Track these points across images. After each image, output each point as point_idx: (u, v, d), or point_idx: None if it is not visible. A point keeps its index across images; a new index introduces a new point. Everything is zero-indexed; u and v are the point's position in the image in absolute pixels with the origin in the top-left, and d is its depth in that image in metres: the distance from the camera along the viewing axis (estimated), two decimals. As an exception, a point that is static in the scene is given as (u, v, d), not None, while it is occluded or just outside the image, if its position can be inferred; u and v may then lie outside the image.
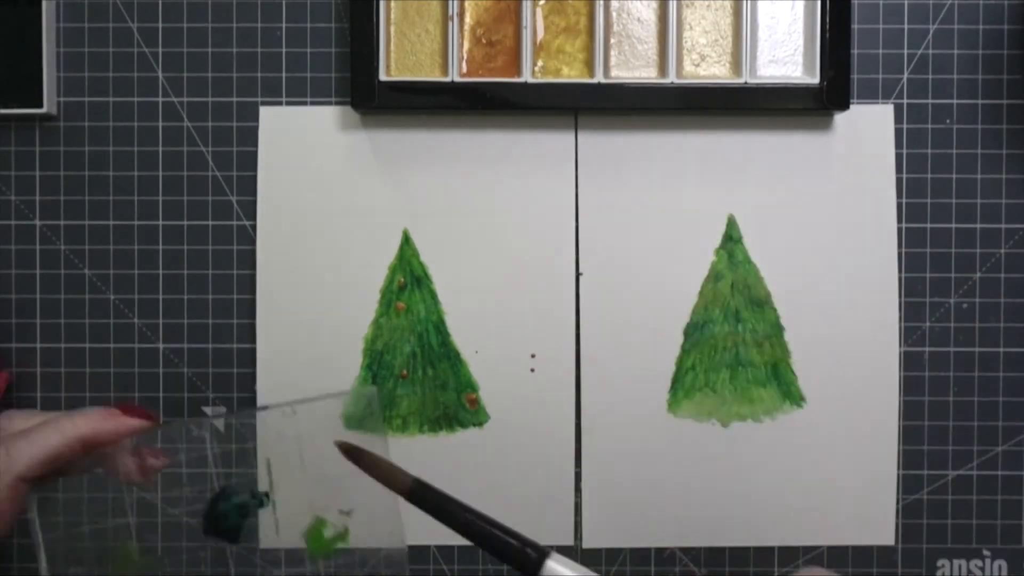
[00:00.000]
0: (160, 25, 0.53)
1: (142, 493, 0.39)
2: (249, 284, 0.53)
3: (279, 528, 0.39)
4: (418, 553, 0.53)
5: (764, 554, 0.53)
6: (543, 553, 0.26)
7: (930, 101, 0.53)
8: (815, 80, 0.51)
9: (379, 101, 0.51)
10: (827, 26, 0.50)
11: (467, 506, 0.27)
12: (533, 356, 0.53)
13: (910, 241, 0.53)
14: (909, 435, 0.53)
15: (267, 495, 0.39)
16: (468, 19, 0.52)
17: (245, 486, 0.38)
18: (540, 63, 0.52)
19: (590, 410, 0.52)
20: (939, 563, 0.53)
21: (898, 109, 0.53)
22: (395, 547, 0.39)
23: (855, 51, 0.53)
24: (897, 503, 0.53)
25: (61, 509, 0.37)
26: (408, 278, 0.53)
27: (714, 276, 0.53)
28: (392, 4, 0.52)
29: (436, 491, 0.28)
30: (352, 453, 0.30)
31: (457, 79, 0.51)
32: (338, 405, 0.40)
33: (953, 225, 0.53)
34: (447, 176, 0.53)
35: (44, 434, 0.35)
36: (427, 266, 0.53)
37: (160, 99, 0.53)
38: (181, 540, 0.40)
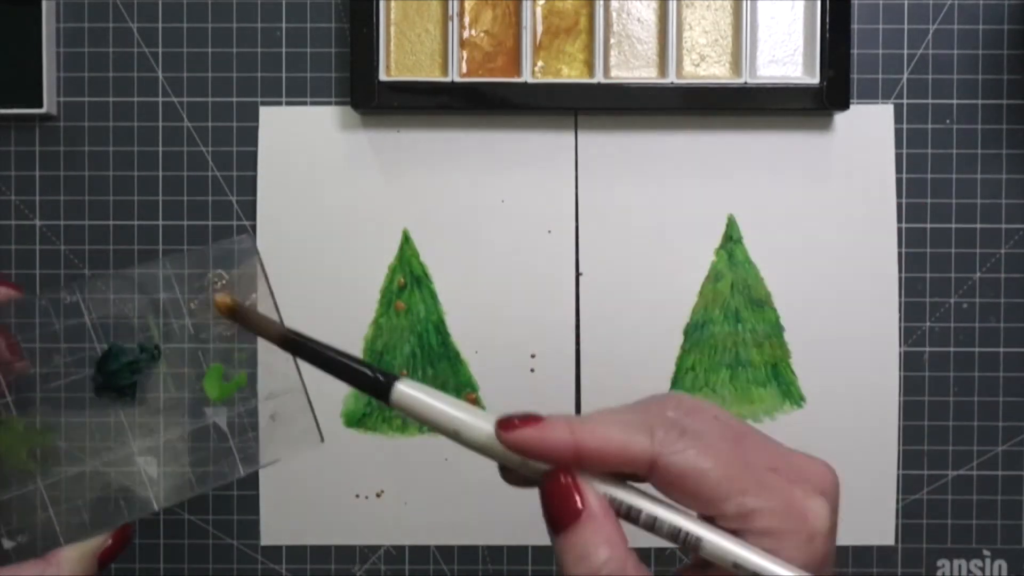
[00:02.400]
0: (160, 25, 0.53)
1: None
2: (249, 284, 0.53)
3: (172, 381, 0.38)
4: (418, 553, 0.53)
5: (764, 554, 0.53)
6: (393, 378, 0.28)
7: (930, 101, 0.53)
8: (815, 80, 0.51)
9: (379, 101, 0.51)
10: (827, 26, 0.50)
11: (334, 348, 0.29)
12: (533, 356, 0.53)
13: (910, 241, 0.53)
14: (909, 435, 0.53)
15: (157, 348, 0.38)
16: (468, 19, 0.52)
17: (132, 344, 0.38)
18: (540, 63, 0.52)
19: (590, 410, 0.52)
20: (939, 563, 0.53)
21: (898, 109, 0.53)
22: (293, 389, 0.38)
23: (855, 51, 0.53)
24: (897, 503, 0.53)
25: None
26: (408, 278, 0.53)
27: (714, 276, 0.53)
28: (392, 4, 0.52)
29: (307, 338, 0.30)
30: (229, 309, 0.30)
31: (457, 79, 0.51)
32: (208, 253, 0.39)
33: (953, 225, 0.53)
34: (447, 176, 0.53)
35: None
36: (427, 266, 0.53)
37: (160, 99, 0.53)
38: (75, 409, 0.39)
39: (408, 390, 0.28)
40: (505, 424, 0.27)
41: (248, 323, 0.31)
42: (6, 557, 0.34)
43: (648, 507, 0.28)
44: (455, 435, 0.28)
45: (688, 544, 0.27)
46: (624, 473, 0.28)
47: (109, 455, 0.37)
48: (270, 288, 0.39)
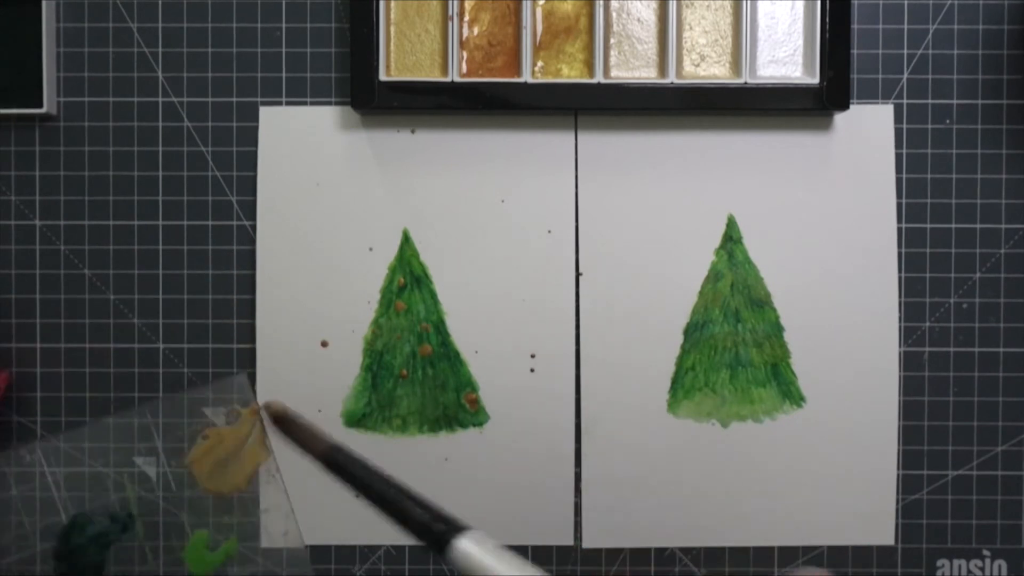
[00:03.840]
0: (160, 25, 0.53)
1: None
2: (249, 284, 0.53)
3: (148, 553, 0.32)
4: (418, 553, 0.53)
5: (764, 554, 0.53)
6: (455, 530, 0.22)
7: (930, 101, 0.53)
8: (815, 80, 0.51)
9: (379, 101, 0.51)
10: (827, 26, 0.50)
11: (384, 475, 0.24)
12: (533, 356, 0.53)
13: (910, 241, 0.53)
14: (909, 435, 0.53)
15: (131, 516, 0.32)
16: (468, 19, 0.52)
17: (100, 511, 0.31)
18: (540, 63, 0.52)
19: (590, 410, 0.52)
20: (939, 563, 0.53)
21: (898, 109, 0.53)
22: (295, 546, 0.35)
23: (855, 51, 0.53)
24: (897, 503, 0.53)
25: None
26: (408, 278, 0.53)
27: (714, 276, 0.53)
28: (392, 4, 0.52)
29: (353, 457, 0.25)
30: (280, 419, 0.27)
31: (457, 79, 0.51)
32: (183, 400, 0.34)
33: (953, 225, 0.53)
34: (447, 176, 0.53)
35: None
36: (427, 266, 0.53)
37: (160, 99, 0.53)
38: None
39: (471, 546, 0.22)
40: None
41: (293, 432, 0.28)
42: None
43: None
44: None
45: None
46: None
47: None
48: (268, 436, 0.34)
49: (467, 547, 0.22)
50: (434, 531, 0.23)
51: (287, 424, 0.27)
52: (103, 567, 0.31)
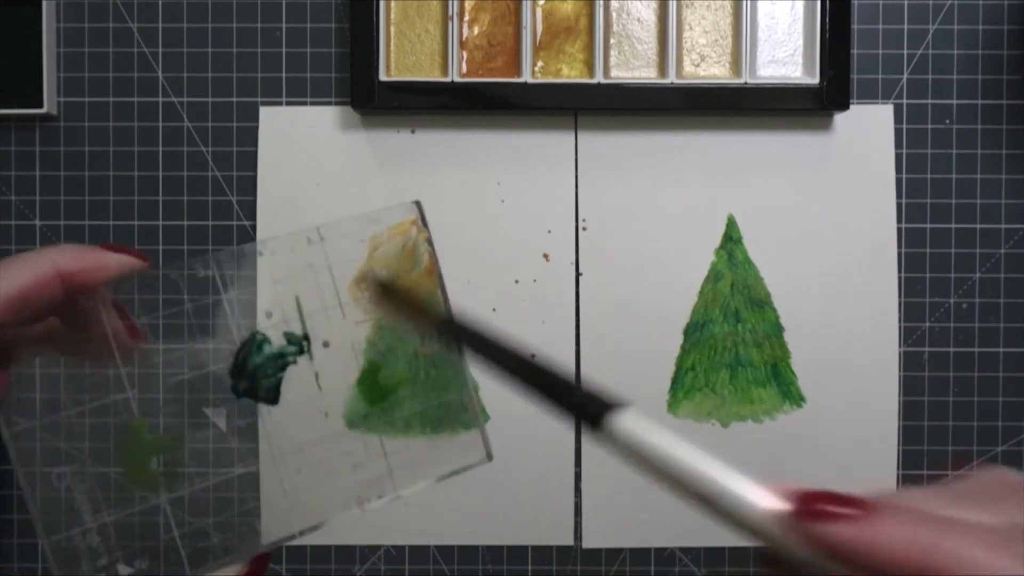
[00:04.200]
0: (160, 25, 0.53)
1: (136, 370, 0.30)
2: (249, 284, 0.53)
3: (320, 379, 0.31)
4: (418, 553, 0.53)
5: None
6: (615, 404, 0.20)
7: (930, 101, 0.53)
8: (815, 80, 0.51)
9: (379, 101, 0.51)
10: (827, 26, 0.50)
11: (512, 342, 0.21)
12: (533, 356, 0.52)
13: (910, 241, 0.53)
14: (909, 435, 0.53)
15: (307, 338, 0.30)
16: (468, 19, 0.52)
17: (276, 331, 0.29)
18: (540, 63, 0.52)
19: (590, 410, 0.52)
20: (939, 563, 0.53)
21: (898, 109, 0.53)
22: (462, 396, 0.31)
23: (855, 51, 0.53)
24: (897, 503, 0.53)
25: (37, 389, 0.29)
26: (408, 278, 0.53)
27: (714, 276, 0.53)
28: (392, 4, 0.52)
29: (474, 325, 0.22)
30: (386, 289, 0.24)
31: (457, 79, 0.51)
32: (368, 228, 0.32)
33: (953, 225, 0.53)
34: (447, 176, 0.53)
35: (12, 268, 0.26)
36: (427, 266, 0.53)
37: (160, 99, 0.53)
38: (197, 410, 0.32)
39: (634, 422, 0.21)
40: (811, 509, 0.18)
41: (404, 304, 0.24)
42: None
43: None
44: (701, 498, 0.20)
45: None
46: None
47: (242, 468, 0.31)
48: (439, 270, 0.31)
49: (633, 422, 0.21)
50: (598, 401, 0.21)
51: (393, 295, 0.24)
52: (279, 390, 0.30)
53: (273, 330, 0.29)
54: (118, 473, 0.29)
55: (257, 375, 0.30)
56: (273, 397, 0.30)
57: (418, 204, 0.32)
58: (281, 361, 0.30)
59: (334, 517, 0.30)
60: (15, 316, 0.26)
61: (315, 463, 0.31)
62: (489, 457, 0.32)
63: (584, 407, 0.21)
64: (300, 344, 0.31)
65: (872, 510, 0.18)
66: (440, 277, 0.32)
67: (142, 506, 0.29)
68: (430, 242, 0.32)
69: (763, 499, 0.19)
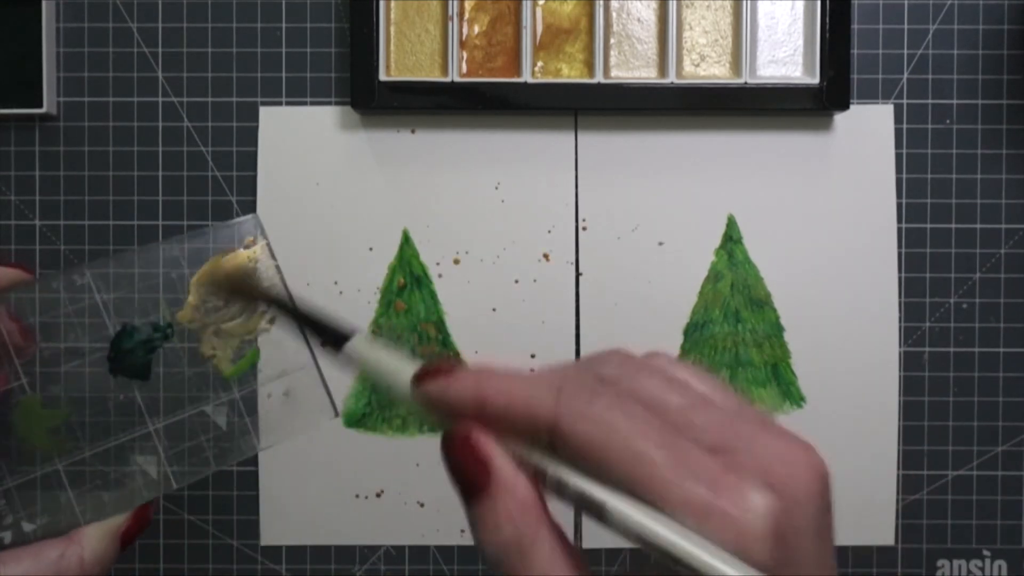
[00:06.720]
0: (160, 25, 0.53)
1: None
2: (249, 284, 0.53)
3: (187, 359, 0.39)
4: (418, 553, 0.53)
5: (764, 554, 0.53)
6: (350, 333, 0.28)
7: (930, 101, 0.53)
8: (815, 80, 0.51)
9: (379, 101, 0.51)
10: (827, 26, 0.50)
11: (296, 300, 0.30)
12: (533, 356, 0.53)
13: (910, 241, 0.53)
14: (909, 435, 0.53)
15: (170, 326, 0.38)
16: (468, 19, 0.52)
17: (145, 322, 0.38)
18: (540, 63, 0.52)
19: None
20: (939, 563, 0.53)
21: (898, 109, 0.53)
22: (305, 365, 0.39)
23: (855, 51, 0.53)
24: (897, 503, 0.53)
25: None
26: (408, 278, 0.53)
27: (714, 276, 0.53)
28: (392, 4, 0.52)
29: (288, 297, 0.30)
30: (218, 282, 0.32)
31: (457, 79, 0.51)
32: (210, 233, 0.40)
33: (953, 225, 0.53)
34: (447, 176, 0.53)
35: None
36: (427, 266, 0.53)
37: (160, 99, 0.53)
38: (93, 388, 0.38)
39: (360, 344, 0.28)
40: (420, 374, 0.25)
41: (243, 289, 0.31)
42: (27, 540, 0.34)
43: (553, 468, 0.22)
44: (391, 390, 0.27)
45: (597, 514, 0.23)
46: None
47: (127, 434, 0.38)
48: (278, 266, 0.40)
49: (360, 344, 0.28)
50: (337, 331, 0.28)
51: (234, 281, 0.32)
52: (149, 369, 0.38)
53: (142, 322, 0.38)
54: (18, 444, 0.35)
55: (129, 356, 0.38)
56: (143, 374, 0.38)
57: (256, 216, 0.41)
58: (149, 344, 0.38)
59: (194, 478, 0.37)
60: None
61: (186, 427, 0.39)
62: (336, 414, 0.39)
63: (330, 336, 0.29)
64: (165, 331, 0.38)
65: (454, 371, 0.25)
66: (274, 257, 0.40)
67: (40, 471, 0.35)
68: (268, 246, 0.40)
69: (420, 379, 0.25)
